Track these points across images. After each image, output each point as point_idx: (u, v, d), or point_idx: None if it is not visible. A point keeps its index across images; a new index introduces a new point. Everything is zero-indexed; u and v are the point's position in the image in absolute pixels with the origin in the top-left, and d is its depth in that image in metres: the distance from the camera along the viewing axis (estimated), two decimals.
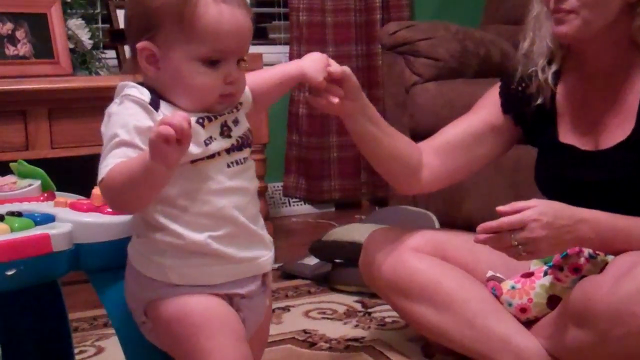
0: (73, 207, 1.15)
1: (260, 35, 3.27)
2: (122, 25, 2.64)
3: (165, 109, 1.05)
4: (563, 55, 1.47)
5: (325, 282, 2.14)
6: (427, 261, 1.50)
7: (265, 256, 1.14)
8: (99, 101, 2.20)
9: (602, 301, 1.23)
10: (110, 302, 1.13)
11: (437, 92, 2.47)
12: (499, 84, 1.58)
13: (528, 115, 1.51)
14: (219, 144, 1.08)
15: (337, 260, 2.13)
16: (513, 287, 1.45)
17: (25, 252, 1.03)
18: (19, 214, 1.10)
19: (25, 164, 1.32)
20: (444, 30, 2.59)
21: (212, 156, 1.08)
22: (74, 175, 1.68)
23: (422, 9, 3.39)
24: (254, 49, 2.70)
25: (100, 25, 2.77)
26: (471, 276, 1.50)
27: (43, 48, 2.29)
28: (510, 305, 1.45)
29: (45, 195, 1.25)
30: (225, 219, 1.08)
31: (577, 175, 1.43)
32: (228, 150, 1.10)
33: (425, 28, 2.58)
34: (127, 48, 2.65)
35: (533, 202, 1.33)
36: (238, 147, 1.12)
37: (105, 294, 1.13)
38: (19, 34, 2.26)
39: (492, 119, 1.55)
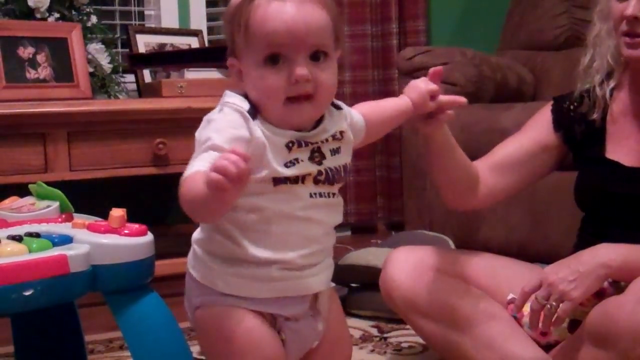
0: (91, 228, 1.15)
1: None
2: (141, 49, 2.67)
3: (261, 124, 1.05)
4: (621, 73, 1.50)
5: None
6: (447, 282, 1.50)
7: (315, 276, 1.13)
8: (117, 124, 2.25)
9: (624, 321, 1.22)
10: (126, 324, 1.13)
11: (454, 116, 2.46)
12: (550, 102, 1.60)
13: (578, 134, 1.53)
14: (304, 168, 1.07)
15: (353, 285, 2.12)
16: None
17: (43, 272, 1.03)
18: (37, 235, 1.11)
19: (44, 185, 1.33)
20: (461, 55, 2.60)
21: (295, 181, 1.07)
22: (92, 197, 1.70)
23: (439, 35, 3.40)
24: None
25: (119, 49, 2.80)
26: (491, 298, 1.49)
27: (63, 72, 2.32)
28: (530, 328, 1.44)
29: (64, 216, 1.26)
30: (290, 245, 1.09)
31: (620, 191, 1.44)
32: (316, 180, 1.08)
33: (442, 53, 2.58)
34: (146, 72, 2.67)
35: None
36: (328, 179, 1.10)
37: (121, 315, 1.13)
38: (40, 57, 2.29)
39: (543, 137, 1.57)
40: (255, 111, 1.06)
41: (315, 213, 1.10)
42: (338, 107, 1.16)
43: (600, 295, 1.35)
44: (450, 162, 1.48)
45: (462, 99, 1.37)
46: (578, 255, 1.36)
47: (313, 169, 1.08)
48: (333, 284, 1.21)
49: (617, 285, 1.35)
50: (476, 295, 1.49)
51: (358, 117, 1.21)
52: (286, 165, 1.06)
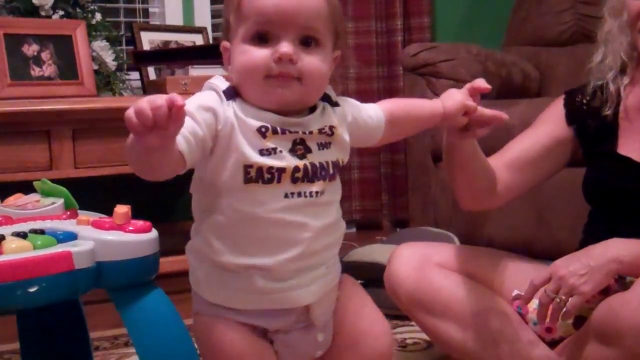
0: (95, 225, 1.15)
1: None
2: (145, 47, 2.67)
3: (237, 105, 1.01)
4: (634, 68, 1.49)
5: None
6: (452, 278, 1.50)
7: (301, 289, 1.07)
8: (122, 122, 2.22)
9: (630, 318, 1.21)
10: (131, 320, 1.13)
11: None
12: (562, 96, 1.59)
13: (591, 128, 1.52)
14: (280, 160, 1.00)
15: (358, 281, 2.12)
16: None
17: (47, 269, 1.03)
18: (41, 232, 1.11)
19: (49, 182, 1.33)
20: (466, 51, 2.59)
21: (269, 180, 1.00)
22: (96, 194, 1.70)
23: (444, 31, 3.39)
24: None
25: (124, 47, 2.80)
26: (496, 294, 1.49)
27: (68, 69, 2.32)
28: (536, 324, 1.43)
29: (68, 213, 1.26)
30: (267, 250, 1.03)
31: (631, 187, 1.44)
32: (294, 178, 1.01)
33: (446, 49, 2.58)
34: (150, 69, 2.67)
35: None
36: (307, 176, 1.02)
37: (126, 312, 1.13)
38: (44, 55, 2.29)
39: (558, 132, 1.56)
40: (234, 92, 1.03)
41: (292, 215, 1.02)
42: (335, 104, 1.11)
43: (605, 291, 1.34)
44: (472, 169, 1.45)
45: (505, 116, 1.34)
46: (589, 250, 1.35)
47: (291, 163, 1.01)
48: (355, 280, 1.19)
49: (623, 281, 1.34)
50: (481, 291, 1.49)
51: (375, 113, 1.16)
52: (261, 153, 0.99)
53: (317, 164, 1.03)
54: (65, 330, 1.38)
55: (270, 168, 1.00)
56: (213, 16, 3.06)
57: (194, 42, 2.81)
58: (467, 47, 2.64)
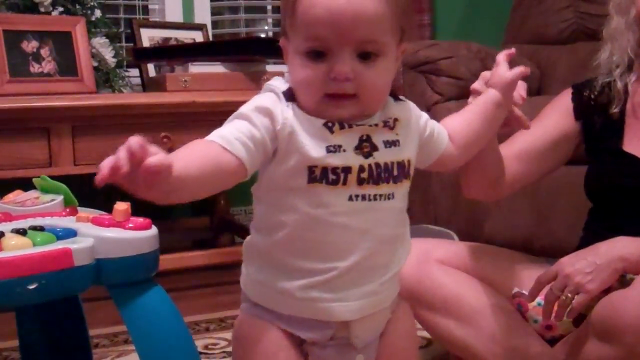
0: (95, 222, 1.15)
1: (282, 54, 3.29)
2: (145, 43, 2.67)
3: (294, 108, 0.95)
4: None
5: None
6: (452, 274, 1.50)
7: (344, 302, 0.99)
8: (121, 118, 2.24)
9: (630, 315, 1.21)
10: (130, 317, 1.13)
11: (459, 110, 2.46)
12: (569, 90, 1.58)
13: (597, 124, 1.52)
14: (345, 159, 0.94)
15: None
16: (539, 304, 1.43)
17: (47, 266, 1.03)
18: (41, 229, 1.11)
19: (48, 179, 1.32)
20: (466, 49, 2.59)
21: (334, 182, 0.93)
22: (96, 191, 1.69)
23: (444, 29, 3.39)
24: (275, 68, 2.71)
25: (123, 43, 2.80)
26: (496, 291, 1.49)
27: (67, 66, 2.32)
28: (535, 322, 1.43)
29: (68, 210, 1.26)
30: (324, 255, 0.97)
31: (635, 184, 1.43)
32: (359, 179, 0.94)
33: (446, 47, 2.57)
34: (150, 66, 2.67)
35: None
36: (372, 177, 0.95)
37: (126, 309, 1.13)
38: (44, 52, 2.28)
39: (566, 125, 1.55)
40: (293, 94, 0.97)
41: (352, 219, 0.96)
42: (398, 99, 1.04)
43: (606, 289, 1.34)
44: (488, 159, 1.42)
45: (528, 124, 1.34)
46: (595, 248, 1.34)
47: (355, 161, 0.94)
48: (409, 309, 1.11)
49: (623, 278, 1.34)
50: (481, 288, 1.49)
51: (435, 125, 1.09)
52: (328, 150, 0.93)
53: (382, 164, 0.96)
54: (64, 328, 1.37)
55: (335, 168, 0.94)
56: (213, 13, 3.06)
57: (194, 39, 2.81)
58: (468, 44, 2.64)
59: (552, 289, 1.33)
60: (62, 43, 2.32)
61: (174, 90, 2.33)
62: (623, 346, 1.23)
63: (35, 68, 2.26)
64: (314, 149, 0.93)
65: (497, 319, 1.44)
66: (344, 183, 0.94)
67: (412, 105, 1.05)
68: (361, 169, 0.95)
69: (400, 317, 1.09)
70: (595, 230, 1.49)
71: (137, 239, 1.12)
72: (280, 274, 0.99)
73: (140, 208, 1.24)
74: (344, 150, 0.94)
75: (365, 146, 0.95)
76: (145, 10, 2.99)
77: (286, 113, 0.95)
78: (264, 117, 0.94)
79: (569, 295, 1.30)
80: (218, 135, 0.93)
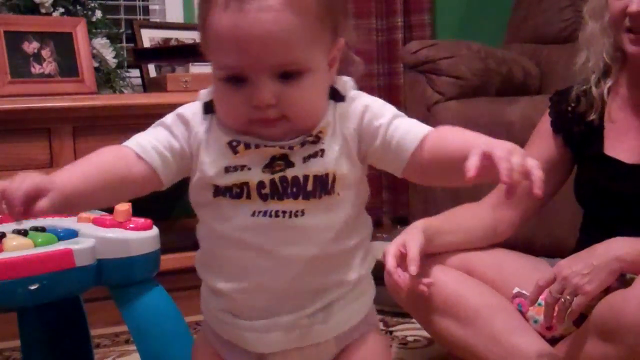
0: (96, 222, 1.15)
1: None
2: (145, 44, 2.67)
3: (211, 120, 0.90)
4: (618, 70, 1.48)
5: None
6: (453, 275, 1.49)
7: (256, 332, 0.91)
8: (122, 119, 2.24)
9: (631, 315, 1.21)
10: (131, 317, 1.13)
11: (459, 110, 2.46)
12: (547, 111, 1.57)
13: (577, 134, 1.51)
14: (243, 176, 0.87)
15: None
16: (540, 304, 1.43)
17: (49, 266, 1.03)
18: (42, 229, 1.11)
19: None
20: (466, 48, 2.59)
21: (238, 195, 0.87)
22: None
23: (444, 28, 3.38)
24: None
25: (124, 44, 2.80)
26: (496, 291, 1.49)
27: (68, 67, 2.32)
28: (536, 322, 1.43)
29: None
30: (224, 273, 0.92)
31: (620, 188, 1.43)
32: (261, 194, 0.86)
33: (447, 46, 2.57)
34: (151, 67, 2.67)
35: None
36: (276, 192, 0.86)
37: (127, 309, 1.13)
38: (45, 52, 2.28)
39: (550, 151, 1.53)
40: (213, 107, 0.91)
41: (253, 236, 0.88)
42: (340, 99, 0.91)
43: (605, 289, 1.34)
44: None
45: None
46: (592, 249, 1.35)
47: (255, 177, 0.87)
48: (385, 345, 1.00)
49: (623, 278, 1.34)
50: (482, 288, 1.49)
51: (407, 132, 0.91)
52: (227, 170, 0.87)
53: (290, 178, 0.87)
54: (66, 328, 1.38)
55: (239, 191, 0.88)
56: None
57: (195, 40, 2.81)
58: (468, 44, 2.64)
59: (550, 292, 1.33)
60: (63, 44, 2.32)
61: (175, 91, 2.33)
62: (624, 346, 1.23)
63: (36, 69, 2.26)
64: (211, 168, 0.88)
65: (498, 320, 1.44)
66: (248, 197, 0.87)
67: (363, 101, 0.92)
68: (261, 184, 0.87)
69: (364, 354, 0.96)
70: (589, 233, 1.49)
71: (138, 239, 1.12)
72: (208, 291, 0.96)
73: (141, 208, 1.24)
74: (249, 169, 0.87)
75: (279, 165, 0.87)
76: (146, 10, 2.98)
77: (198, 127, 0.91)
78: (183, 127, 0.91)
79: (568, 297, 1.30)
80: (135, 142, 0.91)
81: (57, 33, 2.32)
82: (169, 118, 0.93)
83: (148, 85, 2.61)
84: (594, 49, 1.48)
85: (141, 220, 1.14)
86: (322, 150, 0.87)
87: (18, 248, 1.03)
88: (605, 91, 1.48)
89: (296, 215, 0.87)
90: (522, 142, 1.57)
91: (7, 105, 2.07)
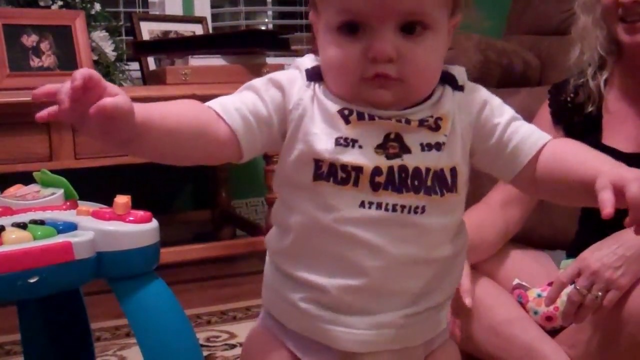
0: (95, 215, 1.15)
1: (283, 46, 3.29)
2: (145, 37, 2.66)
3: (319, 88, 0.82)
4: (614, 61, 1.48)
5: None
6: None
7: (351, 329, 0.82)
8: None
9: (632, 305, 1.21)
10: (132, 310, 1.13)
11: None
12: (546, 102, 1.57)
13: (577, 124, 1.51)
14: (358, 156, 0.77)
15: None
16: (539, 295, 1.43)
17: (48, 260, 1.03)
18: (41, 222, 1.11)
19: (48, 173, 1.32)
20: (466, 40, 2.58)
21: (344, 181, 0.78)
22: (96, 184, 1.69)
23: None
24: (276, 60, 2.71)
25: (123, 37, 2.80)
26: (496, 283, 1.49)
27: (67, 60, 2.31)
28: (536, 313, 1.43)
29: (68, 203, 1.26)
30: (328, 268, 0.82)
31: None
32: (374, 183, 0.77)
33: None
34: (150, 60, 2.67)
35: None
36: (392, 184, 0.77)
37: (127, 302, 1.13)
38: (44, 46, 2.28)
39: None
40: (319, 74, 0.82)
41: (363, 231, 0.79)
42: (458, 88, 0.86)
43: None
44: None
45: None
46: (618, 238, 1.26)
47: (370, 162, 0.77)
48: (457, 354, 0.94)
49: None
50: (482, 280, 1.49)
51: (529, 135, 0.85)
52: (337, 142, 0.77)
53: (411, 169, 0.78)
54: (66, 321, 1.38)
55: (344, 165, 0.78)
56: (212, 6, 3.05)
57: (194, 32, 2.81)
58: (468, 35, 2.63)
59: (577, 288, 1.24)
60: (62, 37, 2.32)
61: (174, 84, 2.33)
62: (625, 336, 1.23)
63: (35, 62, 2.26)
64: (321, 139, 0.78)
65: (498, 312, 1.44)
66: (355, 184, 0.78)
67: (482, 94, 0.88)
68: (377, 171, 0.78)
69: None
70: (588, 224, 1.49)
71: (137, 232, 1.12)
72: (287, 280, 0.87)
73: (141, 201, 1.24)
74: (360, 147, 0.78)
75: (392, 146, 0.78)
76: (145, 3, 2.98)
77: (303, 93, 0.81)
78: (276, 91, 0.82)
79: (599, 294, 1.22)
80: (218, 102, 0.83)
81: (56, 26, 2.31)
82: (258, 81, 0.83)
83: (147, 78, 2.61)
84: (588, 42, 1.48)
85: (141, 213, 1.13)
86: (441, 144, 0.80)
87: (17, 241, 1.03)
88: (602, 83, 1.48)
89: (416, 212, 0.79)
90: None
91: (6, 99, 2.07)
